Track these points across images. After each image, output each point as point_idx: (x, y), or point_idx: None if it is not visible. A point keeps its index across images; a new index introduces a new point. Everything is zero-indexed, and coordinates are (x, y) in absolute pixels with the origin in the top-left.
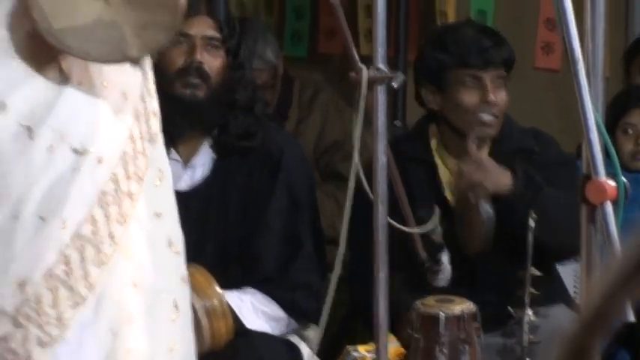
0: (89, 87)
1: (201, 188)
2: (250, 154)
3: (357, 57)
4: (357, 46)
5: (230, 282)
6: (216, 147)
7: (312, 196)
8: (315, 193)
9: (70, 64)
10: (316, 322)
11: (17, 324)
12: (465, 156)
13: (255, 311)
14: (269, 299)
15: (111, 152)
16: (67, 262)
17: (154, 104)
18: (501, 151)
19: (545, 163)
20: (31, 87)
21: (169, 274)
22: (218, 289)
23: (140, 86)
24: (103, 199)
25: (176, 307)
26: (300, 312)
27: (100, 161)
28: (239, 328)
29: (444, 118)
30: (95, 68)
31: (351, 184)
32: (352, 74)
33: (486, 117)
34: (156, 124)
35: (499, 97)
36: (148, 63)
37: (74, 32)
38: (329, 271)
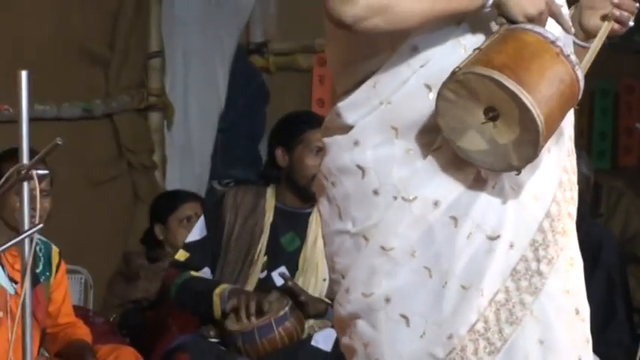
0: (500, 189)
1: None
2: None
3: None
4: None
5: None
6: None
7: (625, 275)
8: (626, 273)
9: (487, 172)
10: None
11: None
12: None
13: None
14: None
15: (520, 239)
16: (486, 321)
17: (569, 208)
18: None
19: None
20: (454, 189)
21: (576, 336)
22: None
23: (552, 191)
24: (514, 275)
25: None
26: None
27: (511, 246)
28: None
29: None
30: (508, 175)
31: None
32: None
33: None
34: (570, 223)
35: None
36: (563, 175)
37: (476, 148)
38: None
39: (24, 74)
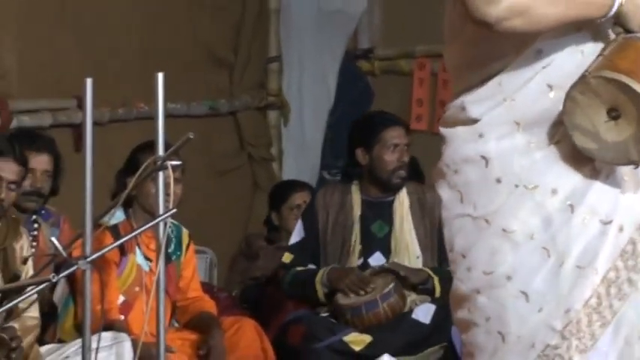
0: (613, 178)
1: None
2: None
3: None
4: None
5: None
6: None
7: None
8: None
9: (600, 164)
10: None
11: (564, 337)
12: None
13: None
14: None
15: (630, 223)
16: (598, 297)
17: None
18: None
19: None
20: (571, 178)
21: None
22: None
23: None
24: (623, 255)
25: None
26: None
27: (621, 229)
28: None
29: None
30: (618, 167)
31: None
32: None
33: None
34: None
35: None
36: None
37: (598, 145)
38: None
39: (160, 76)
